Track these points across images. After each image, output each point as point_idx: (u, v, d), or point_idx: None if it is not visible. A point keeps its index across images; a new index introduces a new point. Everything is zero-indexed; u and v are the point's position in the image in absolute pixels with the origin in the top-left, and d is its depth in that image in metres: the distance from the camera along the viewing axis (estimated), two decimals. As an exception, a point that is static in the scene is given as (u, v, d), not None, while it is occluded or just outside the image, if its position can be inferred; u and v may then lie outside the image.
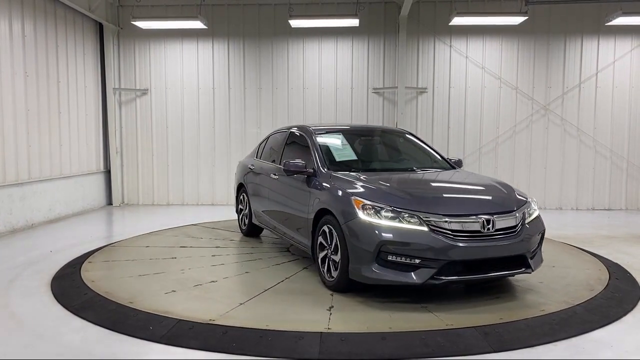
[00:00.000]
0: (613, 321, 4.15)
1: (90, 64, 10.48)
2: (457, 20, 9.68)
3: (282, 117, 10.87)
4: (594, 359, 3.50)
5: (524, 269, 4.61)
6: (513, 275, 4.73)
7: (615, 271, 5.60)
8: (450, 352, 3.56)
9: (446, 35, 10.60)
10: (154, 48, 10.99)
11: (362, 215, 4.45)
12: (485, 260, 4.42)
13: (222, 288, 4.97)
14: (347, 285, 4.70)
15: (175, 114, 11.07)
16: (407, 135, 6.64)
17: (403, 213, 4.37)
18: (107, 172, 11.08)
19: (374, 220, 4.39)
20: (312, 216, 5.13)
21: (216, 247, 6.65)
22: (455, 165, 6.09)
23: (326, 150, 5.70)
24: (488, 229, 4.41)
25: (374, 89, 10.79)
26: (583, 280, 5.23)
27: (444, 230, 4.31)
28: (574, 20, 10.45)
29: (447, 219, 4.35)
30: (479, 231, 4.38)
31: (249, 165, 7.21)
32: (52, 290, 4.99)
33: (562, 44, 10.55)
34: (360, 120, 10.80)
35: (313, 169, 5.40)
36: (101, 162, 10.94)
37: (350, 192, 4.72)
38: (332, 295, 4.73)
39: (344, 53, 10.81)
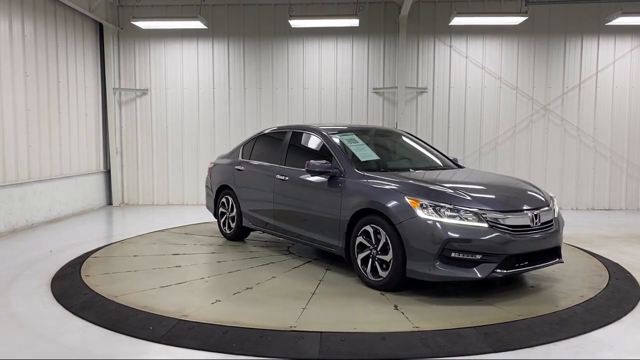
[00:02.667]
0: (613, 321, 4.15)
1: (90, 64, 10.48)
2: (457, 20, 9.68)
3: (282, 117, 10.87)
4: (594, 359, 3.50)
5: (557, 260, 4.91)
6: (550, 265, 4.92)
7: (615, 271, 5.59)
8: (450, 352, 3.55)
9: (446, 35, 10.60)
10: (154, 48, 11.00)
11: (421, 214, 4.49)
12: (532, 253, 4.65)
13: (264, 294, 4.78)
14: (399, 285, 4.72)
15: (175, 114, 11.07)
16: (409, 135, 6.73)
17: (461, 210, 4.48)
18: (107, 172, 11.08)
19: (436, 218, 4.45)
20: (347, 217, 5.08)
21: (211, 252, 6.44)
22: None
23: (349, 151, 5.64)
24: (536, 222, 4.69)
25: (374, 89, 10.79)
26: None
27: (501, 226, 4.49)
28: (574, 20, 10.45)
29: (503, 215, 4.54)
30: (528, 225, 4.63)
31: (236, 167, 6.96)
32: (52, 290, 4.99)
33: (562, 44, 10.55)
34: (360, 121, 10.80)
35: (338, 169, 5.35)
36: (101, 162, 10.94)
37: (403, 191, 4.72)
38: (383, 295, 4.71)
39: (344, 53, 10.82)
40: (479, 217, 4.47)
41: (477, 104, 10.72)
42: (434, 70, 10.72)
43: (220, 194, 7.29)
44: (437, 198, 4.59)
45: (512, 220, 4.56)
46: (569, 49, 10.55)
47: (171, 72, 11.01)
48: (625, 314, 4.33)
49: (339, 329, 3.90)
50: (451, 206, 4.50)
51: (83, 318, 4.22)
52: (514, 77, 10.65)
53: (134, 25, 10.12)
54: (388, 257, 4.70)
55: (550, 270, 5.46)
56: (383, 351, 3.57)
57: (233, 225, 7.03)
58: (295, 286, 5.02)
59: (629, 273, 5.57)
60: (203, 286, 5.05)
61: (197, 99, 11.03)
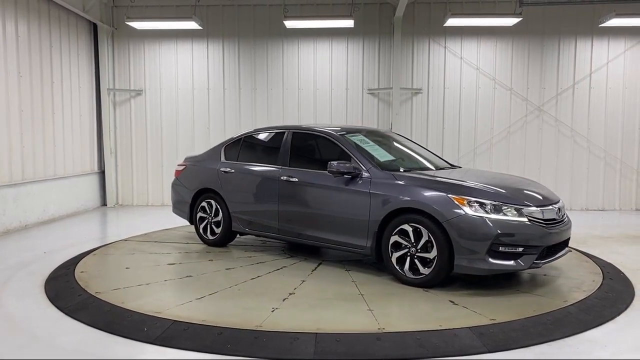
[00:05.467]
0: (607, 321, 4.17)
1: (85, 64, 10.44)
2: (451, 21, 9.71)
3: (277, 117, 10.87)
4: (588, 359, 3.51)
5: (568, 249, 5.29)
6: (565, 255, 5.23)
7: (609, 271, 5.62)
8: (445, 353, 3.56)
9: (441, 36, 10.63)
10: (148, 48, 10.97)
11: (469, 211, 4.67)
12: (558, 243, 4.97)
13: (314, 298, 4.66)
14: (442, 280, 4.86)
15: (170, 114, 11.05)
16: (400, 136, 6.78)
17: (503, 206, 4.72)
18: (102, 173, 11.05)
19: (483, 215, 4.65)
20: (379, 217, 5.11)
21: (209, 260, 6.07)
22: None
23: (367, 152, 5.66)
24: (559, 215, 5.07)
25: (368, 89, 10.81)
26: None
27: (537, 219, 4.77)
28: (568, 21, 10.50)
29: (537, 209, 4.83)
30: (554, 218, 4.96)
31: (221, 169, 6.67)
32: (46, 291, 4.97)
33: (556, 45, 10.60)
34: (355, 122, 10.81)
35: (359, 169, 5.37)
36: (95, 162, 10.90)
37: (446, 190, 4.86)
38: (428, 292, 4.81)
39: (339, 54, 10.82)
40: (519, 212, 4.72)
41: (471, 104, 10.74)
42: (428, 71, 10.74)
43: (199, 198, 6.91)
44: (481, 195, 4.79)
45: (545, 214, 4.86)
46: (562, 50, 10.60)
47: (166, 72, 10.99)
48: (619, 313, 4.35)
49: (425, 327, 3.94)
50: (496, 203, 4.72)
51: (77, 319, 4.20)
52: (508, 78, 10.68)
53: (128, 25, 10.09)
54: (432, 255, 4.80)
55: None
56: (378, 352, 3.57)
57: (218, 230, 6.71)
58: (334, 289, 4.95)
59: (623, 273, 5.60)
60: (240, 295, 4.78)
61: (191, 99, 11.02)
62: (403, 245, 5.00)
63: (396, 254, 5.05)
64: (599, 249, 6.83)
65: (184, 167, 7.33)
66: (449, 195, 4.78)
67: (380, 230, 5.16)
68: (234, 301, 4.61)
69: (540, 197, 5.09)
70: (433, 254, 4.79)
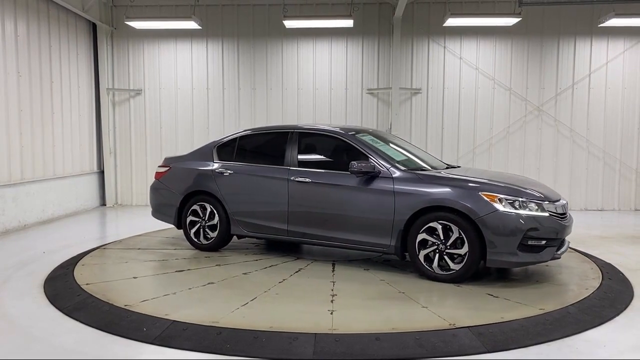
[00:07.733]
0: (606, 321, 4.18)
1: (84, 64, 10.44)
2: (451, 21, 9.71)
3: (276, 117, 10.87)
4: (587, 359, 3.52)
5: (569, 242, 5.51)
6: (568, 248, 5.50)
7: (608, 271, 5.63)
8: (444, 353, 3.56)
9: (440, 36, 10.63)
10: (147, 48, 10.97)
11: (501, 208, 4.87)
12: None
13: (357, 299, 4.64)
14: (472, 275, 5.04)
15: (169, 114, 11.05)
16: (394, 135, 6.84)
17: (528, 202, 4.96)
18: (101, 173, 11.04)
19: (513, 211, 4.87)
20: (405, 216, 5.17)
21: (217, 265, 5.83)
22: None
23: (383, 151, 5.69)
24: (566, 210, 5.34)
25: (368, 89, 10.81)
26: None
27: (554, 214, 5.04)
28: (567, 21, 10.50)
29: (553, 205, 5.10)
30: (564, 213, 5.23)
31: (217, 170, 6.40)
32: (45, 291, 4.97)
33: (556, 45, 10.60)
34: (355, 122, 10.81)
35: (380, 169, 5.41)
36: (94, 162, 10.90)
37: (476, 188, 5.04)
38: (459, 286, 4.96)
39: (339, 54, 10.82)
40: (540, 207, 4.96)
41: (471, 104, 10.74)
42: (428, 71, 10.74)
43: (189, 201, 6.58)
44: (509, 193, 5.00)
45: (559, 208, 5.14)
46: (562, 50, 10.60)
47: (165, 72, 10.99)
48: (618, 314, 4.35)
49: (488, 320, 4.06)
50: (523, 199, 4.95)
51: (76, 319, 4.20)
52: (508, 78, 10.69)
53: (127, 25, 10.09)
54: (463, 251, 4.95)
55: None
56: (377, 352, 3.57)
57: (213, 234, 6.43)
58: (372, 289, 4.96)
59: (622, 273, 5.60)
60: (283, 299, 4.67)
61: (191, 99, 11.01)
62: (430, 243, 5.09)
63: (424, 252, 5.13)
64: (598, 249, 6.84)
65: (167, 168, 6.89)
66: (480, 193, 4.93)
67: (405, 229, 5.21)
68: (282, 306, 4.48)
69: (550, 194, 5.30)
70: (464, 250, 4.93)
